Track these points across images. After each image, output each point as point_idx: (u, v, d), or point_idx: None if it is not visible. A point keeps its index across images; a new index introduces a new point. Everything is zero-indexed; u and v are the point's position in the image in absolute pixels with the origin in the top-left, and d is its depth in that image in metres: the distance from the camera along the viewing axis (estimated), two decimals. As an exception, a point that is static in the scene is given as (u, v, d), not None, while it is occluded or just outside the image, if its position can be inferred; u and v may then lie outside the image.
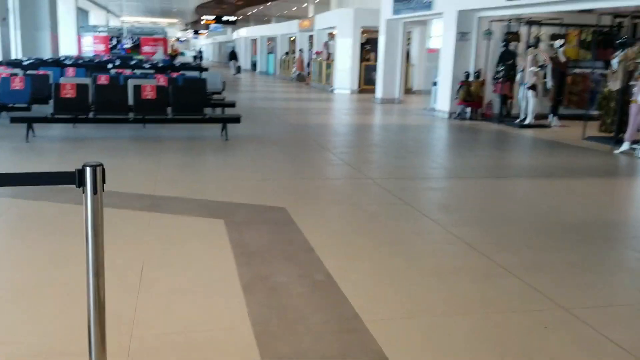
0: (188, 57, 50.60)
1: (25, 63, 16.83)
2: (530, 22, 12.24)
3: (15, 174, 2.27)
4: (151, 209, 5.02)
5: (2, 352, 2.69)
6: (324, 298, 3.36)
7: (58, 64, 17.21)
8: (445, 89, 13.32)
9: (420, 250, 4.27)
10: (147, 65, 18.42)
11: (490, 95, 12.97)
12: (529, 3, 10.91)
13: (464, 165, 7.86)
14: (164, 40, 35.17)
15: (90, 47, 31.65)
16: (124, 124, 9.12)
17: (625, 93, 9.19)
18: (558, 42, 11.98)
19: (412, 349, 2.85)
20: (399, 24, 16.43)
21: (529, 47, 11.78)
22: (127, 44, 32.45)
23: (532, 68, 11.39)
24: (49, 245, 4.10)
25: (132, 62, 20.48)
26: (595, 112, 11.22)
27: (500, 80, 12.27)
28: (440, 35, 14.47)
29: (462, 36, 13.00)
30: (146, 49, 34.09)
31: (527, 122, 11.75)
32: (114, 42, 32.21)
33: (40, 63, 17.02)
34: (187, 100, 9.07)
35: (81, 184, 2.18)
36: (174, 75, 13.20)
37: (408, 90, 19.79)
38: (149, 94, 8.89)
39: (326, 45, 23.13)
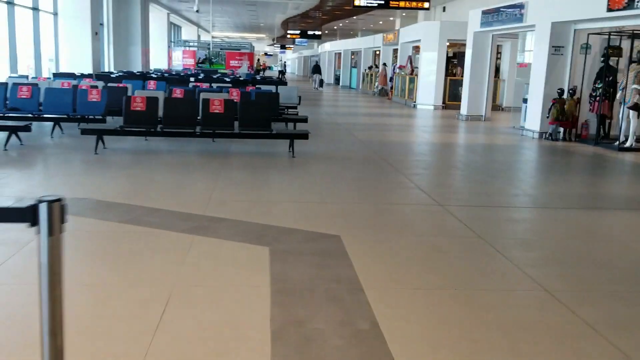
0: (275, 71, 51.46)
1: (113, 76, 17.44)
2: (634, 35, 11.04)
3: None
4: (195, 232, 4.66)
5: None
6: (365, 354, 2.80)
7: (144, 77, 17.70)
8: (536, 106, 12.31)
9: (489, 297, 3.59)
10: (227, 79, 18.58)
11: (586, 114, 11.84)
12: (632, 14, 9.79)
13: (552, 193, 6.99)
14: (250, 55, 35.78)
15: (179, 61, 32.69)
16: (194, 138, 8.95)
17: None
18: (667, 56, 10.71)
19: None
20: (487, 37, 15.54)
21: (631, 62, 10.61)
22: (212, 58, 33.24)
23: (634, 85, 10.22)
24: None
25: (215, 76, 20.79)
26: None
27: (598, 98, 11.14)
28: (533, 49, 13.46)
29: (556, 50, 11.98)
30: (233, 63, 34.85)
31: (627, 144, 10.56)
32: (202, 56, 33.08)
33: (125, 76, 17.56)
34: (254, 115, 8.78)
35: (35, 222, 1.75)
36: (249, 89, 13.09)
37: (496, 107, 18.74)
38: (217, 107, 8.69)
39: (410, 59, 22.47)
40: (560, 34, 11.88)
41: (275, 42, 57.71)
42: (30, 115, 9.68)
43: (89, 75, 16.89)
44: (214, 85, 14.40)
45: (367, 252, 4.36)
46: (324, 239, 4.62)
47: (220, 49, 37.11)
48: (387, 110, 19.55)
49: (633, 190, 7.62)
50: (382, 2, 17.32)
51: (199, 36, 48.15)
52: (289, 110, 13.62)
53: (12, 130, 8.32)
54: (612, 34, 11.18)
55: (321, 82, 32.57)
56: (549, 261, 4.35)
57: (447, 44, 19.94)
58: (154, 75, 18.80)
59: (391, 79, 24.78)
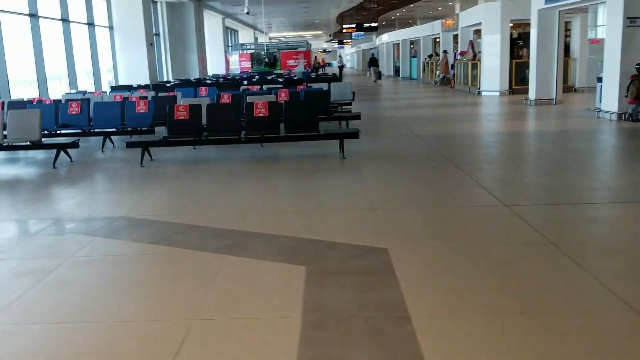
0: (336, 67, 50.89)
1: (168, 85, 17.49)
2: None
3: None
4: (228, 251, 4.23)
5: None
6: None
7: (197, 84, 17.66)
8: (613, 85, 11.19)
9: (565, 323, 2.94)
10: (280, 80, 18.26)
11: (671, 89, 10.63)
12: None
13: (637, 184, 6.12)
14: (307, 53, 35.47)
15: (237, 65, 32.82)
16: (241, 144, 8.59)
17: None
18: None
19: None
20: (553, 14, 14.39)
21: None
22: (265, 59, 33.19)
23: None
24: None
25: (270, 77, 20.55)
26: None
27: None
28: (605, 23, 12.29)
29: (631, 22, 10.82)
30: (290, 62, 34.67)
31: None
32: (258, 58, 33.08)
33: (179, 84, 17.58)
34: (300, 116, 8.32)
35: None
36: (300, 88, 12.67)
37: (568, 89, 17.46)
38: (261, 111, 8.29)
39: (471, 43, 21.39)
40: (635, 4, 10.72)
41: (332, 38, 57.23)
42: (79, 130, 9.63)
43: (146, 86, 17.03)
44: (265, 87, 14.07)
45: (418, 268, 3.78)
46: (369, 254, 4.08)
47: (277, 49, 37.05)
48: (448, 99, 18.64)
49: None
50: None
51: (255, 38, 48.41)
52: (343, 107, 13.11)
53: (60, 148, 8.25)
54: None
55: (379, 75, 31.82)
56: (638, 272, 3.62)
57: (511, 24, 18.77)
58: (208, 82, 18.77)
59: (453, 67, 23.73)
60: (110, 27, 19.73)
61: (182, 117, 8.31)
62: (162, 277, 3.81)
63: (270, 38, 60.44)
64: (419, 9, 35.85)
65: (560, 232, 4.44)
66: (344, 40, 58.93)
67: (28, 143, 8.20)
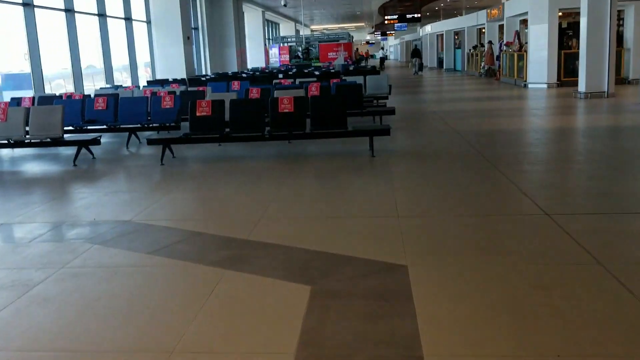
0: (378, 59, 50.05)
1: (203, 79, 17.28)
2: None
3: None
4: (228, 264, 3.82)
5: None
6: None
7: (232, 78, 17.38)
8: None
9: (616, 376, 2.40)
10: (317, 73, 17.80)
11: None
12: None
13: (701, 187, 5.41)
14: (348, 45, 34.88)
15: (276, 58, 32.51)
16: (265, 141, 8.18)
17: None
18: None
19: None
20: (605, 2, 13.42)
21: None
22: (302, 52, 32.73)
23: None
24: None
25: (307, 70, 20.11)
26: None
27: None
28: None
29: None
30: (331, 55, 34.18)
31: None
32: (297, 51, 32.69)
33: (214, 78, 17.35)
34: (328, 111, 7.85)
35: None
36: (333, 82, 12.19)
37: (621, 81, 16.39)
38: (286, 107, 7.86)
39: (517, 34, 20.39)
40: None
41: (375, 29, 56.37)
42: (105, 127, 9.43)
43: (181, 81, 16.87)
44: (298, 80, 13.64)
45: (439, 292, 3.28)
46: (385, 273, 3.59)
47: (318, 42, 36.59)
48: (492, 92, 17.79)
49: None
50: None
51: (297, 31, 48.03)
52: (380, 101, 12.58)
53: (81, 145, 8.03)
54: None
55: (420, 66, 30.96)
56: None
57: (560, 14, 17.77)
58: (243, 75, 18.48)
59: (498, 58, 22.76)
60: (148, 22, 19.67)
61: (205, 114, 7.96)
62: (150, 295, 3.42)
63: (312, 30, 60.05)
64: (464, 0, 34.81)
65: (610, 249, 3.84)
66: (387, 32, 58.03)
67: (49, 140, 7.99)
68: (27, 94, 13.71)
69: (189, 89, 11.92)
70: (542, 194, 5.35)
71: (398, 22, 36.77)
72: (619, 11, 15.36)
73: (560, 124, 10.35)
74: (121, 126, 9.49)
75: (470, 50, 28.80)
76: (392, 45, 75.83)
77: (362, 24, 58.67)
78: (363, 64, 42.35)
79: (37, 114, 8.22)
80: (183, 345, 2.79)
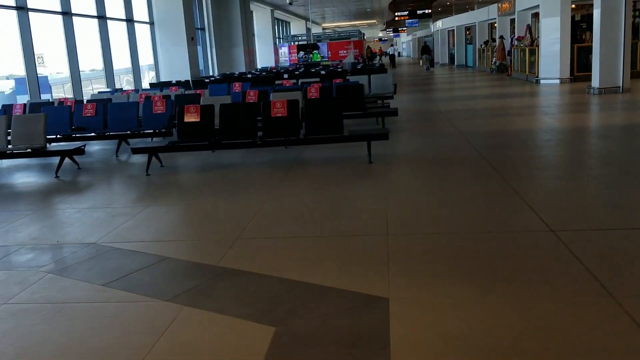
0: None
1: (206, 81, 16.92)
2: None
3: None
4: (188, 299, 3.39)
5: None
6: None
7: (239, 78, 16.99)
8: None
9: None
10: (323, 72, 17.34)
11: None
12: None
13: None
14: (358, 43, 34.31)
15: (286, 57, 32.07)
16: (257, 148, 7.75)
17: None
18: None
19: None
20: (620, -8, 12.80)
21: None
22: (311, 50, 32.22)
23: None
24: None
25: (314, 70, 19.64)
26: None
27: None
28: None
29: None
30: (342, 53, 33.64)
31: None
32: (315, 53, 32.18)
33: (218, 79, 16.97)
34: (322, 115, 7.40)
35: None
36: (336, 82, 11.73)
37: (637, 74, 15.71)
38: (279, 111, 7.43)
39: (528, 28, 19.75)
40: None
41: (386, 26, 55.71)
42: (93, 134, 9.08)
43: (185, 83, 16.52)
44: (301, 81, 13.20)
45: (421, 334, 2.82)
46: (363, 308, 3.14)
47: (330, 39, 36.08)
48: (502, 89, 17.20)
49: None
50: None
51: (308, 29, 47.59)
52: (384, 101, 12.10)
53: (64, 155, 7.66)
54: None
55: (431, 63, 30.37)
56: None
57: (573, 6, 17.11)
58: (249, 76, 18.09)
59: (509, 53, 22.10)
60: (151, 23, 19.35)
61: (193, 119, 7.56)
62: (89, 341, 3.00)
63: (323, 28, 59.51)
64: (476, -7, 34.06)
65: (623, 275, 3.35)
66: (399, 29, 57.29)
67: (29, 151, 7.64)
68: (44, 97, 13.60)
69: (186, 92, 11.53)
70: (548, 206, 4.85)
71: (408, 19, 36.16)
72: (634, 1, 14.69)
73: (572, 123, 9.80)
74: (111, 133, 9.11)
75: (481, 45, 28.14)
76: (405, 42, 75.05)
77: (374, 21, 58.04)
78: (375, 61, 41.82)
79: (19, 123, 7.87)
80: (111, 409, 2.37)
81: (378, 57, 50.96)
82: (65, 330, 3.12)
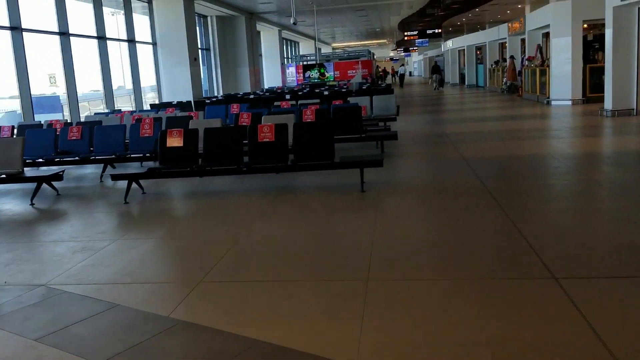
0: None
1: (207, 102, 16.59)
2: None
3: None
4: (126, 361, 2.91)
5: None
6: None
7: (240, 99, 16.66)
8: None
9: None
10: (326, 93, 16.96)
11: None
12: None
13: None
14: (367, 62, 34.00)
15: (293, 77, 31.82)
16: (243, 175, 7.29)
17: None
18: None
19: None
20: (632, 12, 12.31)
21: None
22: (317, 71, 31.94)
23: None
24: None
25: (317, 90, 19.27)
26: None
27: None
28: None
29: None
30: (351, 72, 33.32)
31: None
32: (309, 70, 31.91)
33: (219, 100, 16.63)
34: (311, 140, 6.95)
35: None
36: (336, 103, 11.33)
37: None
38: (266, 135, 6.99)
39: (539, 48, 19.29)
40: None
41: (396, 45, 55.55)
42: (77, 158, 8.69)
43: (187, 103, 16.21)
44: (301, 102, 12.80)
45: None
46: (322, 379, 2.64)
47: (339, 59, 35.83)
48: (512, 110, 16.68)
49: None
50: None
51: (317, 49, 47.52)
52: (387, 123, 11.65)
53: (41, 181, 7.27)
54: None
55: (441, 82, 29.97)
56: None
57: (584, 25, 16.65)
58: (251, 97, 17.75)
59: (520, 73, 21.62)
60: (154, 44, 19.14)
61: (176, 144, 7.14)
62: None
63: (333, 48, 59.45)
64: (487, 13, 33.67)
65: (636, 341, 2.82)
66: (410, 48, 57.08)
67: (4, 176, 7.25)
68: (56, 116, 13.43)
69: (179, 114, 11.16)
70: (552, 246, 4.32)
71: (418, 38, 35.91)
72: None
73: (582, 149, 9.26)
74: (97, 157, 8.72)
75: (492, 65, 27.69)
76: (416, 61, 74.87)
77: (385, 40, 57.88)
78: (388, 81, 41.51)
79: (-5, 147, 7.51)
80: None
81: (393, 77, 50.65)
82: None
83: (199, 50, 21.91)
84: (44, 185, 7.46)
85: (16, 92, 12.33)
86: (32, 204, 7.05)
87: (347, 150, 9.44)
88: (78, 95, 14.33)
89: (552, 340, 2.88)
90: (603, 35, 15.28)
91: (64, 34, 13.90)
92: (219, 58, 24.18)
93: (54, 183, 7.61)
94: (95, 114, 13.55)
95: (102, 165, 8.92)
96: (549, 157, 8.42)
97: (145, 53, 18.86)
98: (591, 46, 17.82)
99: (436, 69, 31.19)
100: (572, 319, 3.09)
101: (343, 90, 18.84)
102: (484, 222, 5.11)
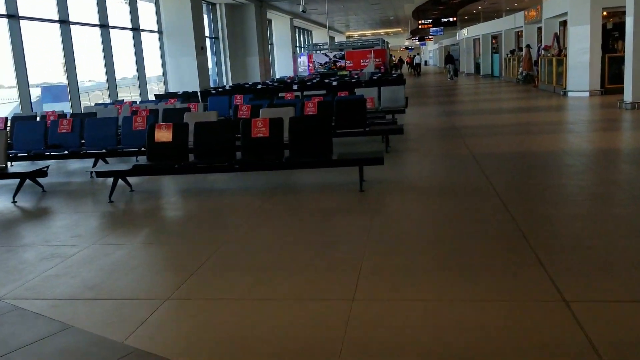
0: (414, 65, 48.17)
1: (213, 92, 16.19)
2: None
3: None
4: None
5: None
6: None
7: (247, 90, 16.21)
8: None
9: None
10: (334, 83, 16.47)
11: None
12: None
13: None
14: (380, 52, 33.34)
15: (305, 66, 31.28)
16: (234, 172, 6.88)
17: None
18: None
19: None
20: (656, -3, 11.66)
21: None
22: (328, 60, 31.34)
23: None
24: None
25: (327, 80, 18.76)
26: None
27: None
28: None
29: None
30: (364, 62, 32.71)
31: None
32: (320, 60, 31.33)
33: (225, 90, 16.22)
34: (308, 136, 6.51)
35: None
36: (341, 94, 10.88)
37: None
38: (260, 130, 6.57)
39: (556, 36, 18.59)
40: None
41: (411, 34, 54.67)
42: (67, 152, 8.34)
43: (193, 94, 15.82)
44: (305, 93, 12.34)
45: None
46: None
47: (352, 48, 35.20)
48: (526, 102, 16.08)
49: None
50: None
51: (331, 38, 46.82)
52: (395, 115, 11.17)
53: (24, 177, 6.91)
54: None
55: (455, 72, 29.31)
56: None
57: (604, 13, 15.95)
58: (258, 87, 17.31)
59: (536, 63, 20.92)
60: (160, 32, 18.76)
61: (165, 139, 6.75)
62: None
63: (347, 37, 58.64)
64: (503, 1, 32.78)
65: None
66: (425, 37, 56.08)
67: (-16, 173, 6.91)
68: (64, 106, 13.25)
69: (178, 106, 10.77)
70: (563, 261, 3.85)
71: (432, 27, 35.07)
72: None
73: (600, 144, 8.71)
74: (87, 152, 8.35)
75: (507, 54, 26.96)
76: (432, 50, 73.84)
77: (399, 29, 56.97)
78: (404, 70, 40.78)
79: (-23, 142, 7.16)
80: None
81: (407, 66, 49.85)
82: None
83: (208, 39, 21.51)
84: (24, 182, 7.09)
85: (31, 81, 12.14)
86: (14, 202, 6.71)
87: (350, 145, 9.02)
88: (87, 85, 14.06)
89: (559, 385, 2.44)
90: (623, 24, 14.60)
91: (64, 22, 13.55)
92: (228, 47, 23.76)
93: (40, 179, 7.26)
94: (95, 104, 13.23)
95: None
96: (563, 153, 7.90)
97: (151, 42, 18.51)
98: (610, 35, 17.15)
99: (450, 58, 30.54)
100: (583, 351, 2.64)
101: (353, 80, 18.32)
102: (485, 226, 4.65)
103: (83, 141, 8.47)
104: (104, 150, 8.14)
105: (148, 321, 3.30)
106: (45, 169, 6.96)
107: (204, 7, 21.13)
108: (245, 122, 6.66)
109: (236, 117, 9.13)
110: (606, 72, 15.62)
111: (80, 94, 14.59)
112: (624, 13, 13.60)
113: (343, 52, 31.51)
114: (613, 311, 3.10)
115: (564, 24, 18.73)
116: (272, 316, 3.30)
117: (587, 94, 15.51)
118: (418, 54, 51.28)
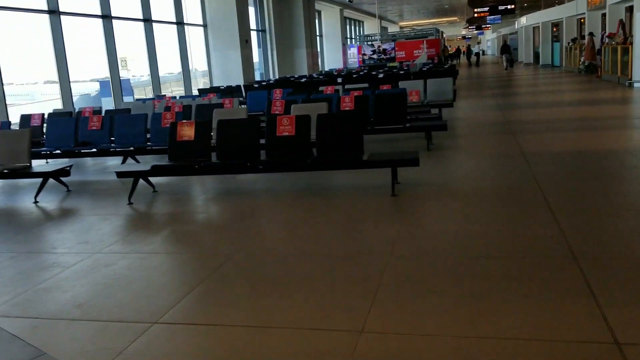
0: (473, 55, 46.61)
1: (255, 86, 15.88)
2: None
3: None
4: None
5: None
6: None
7: (292, 83, 15.80)
8: None
9: None
10: (380, 76, 15.85)
11: None
12: None
13: None
14: (434, 42, 32.27)
15: (355, 58, 30.64)
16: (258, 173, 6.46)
17: None
18: None
19: None
20: None
21: None
22: (377, 50, 30.50)
23: None
24: None
25: (375, 73, 18.13)
26: None
27: None
28: None
29: None
30: (417, 52, 31.77)
31: None
32: (367, 51, 30.58)
33: (268, 85, 15.87)
34: (336, 134, 6.02)
35: None
36: (383, 88, 10.31)
37: None
38: (285, 128, 6.12)
39: (621, 23, 17.27)
40: None
41: (467, 23, 52.98)
42: (94, 150, 8.15)
43: (236, 88, 15.56)
44: (347, 87, 11.82)
45: None
46: None
47: (406, 39, 34.29)
48: (588, 94, 14.97)
49: None
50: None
51: (382, 28, 45.89)
52: (443, 109, 10.53)
53: (47, 176, 6.72)
54: None
55: (511, 62, 28.04)
56: None
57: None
58: (302, 80, 16.89)
59: (599, 52, 19.57)
60: (204, 26, 18.61)
61: (187, 138, 6.40)
62: None
63: (400, 27, 57.40)
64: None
65: None
66: (483, 26, 54.17)
67: (6, 171, 6.75)
68: (126, 99, 13.46)
69: (213, 101, 10.47)
70: (619, 290, 3.22)
71: (489, 15, 33.66)
72: None
73: (670, 142, 7.80)
74: (116, 149, 8.14)
75: (569, 43, 25.49)
76: (490, 40, 71.51)
77: (455, 18, 55.29)
78: (454, 61, 39.47)
79: (3, 140, 7.03)
80: None
81: (464, 56, 48.34)
82: None
83: (254, 32, 21.26)
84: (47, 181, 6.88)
85: (91, 76, 12.23)
86: (35, 202, 6.53)
87: (390, 143, 8.48)
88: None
89: None
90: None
91: (106, 17, 13.52)
92: (274, 39, 23.44)
93: (69, 178, 7.05)
94: (137, 99, 13.15)
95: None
96: (627, 153, 7.07)
97: (196, 36, 18.39)
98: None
99: (506, 48, 29.24)
100: None
101: (401, 72, 17.64)
102: (530, 247, 4.03)
103: (113, 138, 8.27)
104: (132, 148, 7.89)
105: (126, 352, 2.91)
106: (68, 168, 6.74)
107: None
108: (270, 120, 6.23)
109: (269, 113, 8.73)
110: (678, 61, 14.34)
111: (137, 88, 14.77)
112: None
113: (393, 44, 30.62)
114: (681, 362, 2.48)
115: (630, 9, 17.37)
116: (266, 348, 2.85)
117: (656, 84, 14.29)
118: (478, 43, 49.49)
